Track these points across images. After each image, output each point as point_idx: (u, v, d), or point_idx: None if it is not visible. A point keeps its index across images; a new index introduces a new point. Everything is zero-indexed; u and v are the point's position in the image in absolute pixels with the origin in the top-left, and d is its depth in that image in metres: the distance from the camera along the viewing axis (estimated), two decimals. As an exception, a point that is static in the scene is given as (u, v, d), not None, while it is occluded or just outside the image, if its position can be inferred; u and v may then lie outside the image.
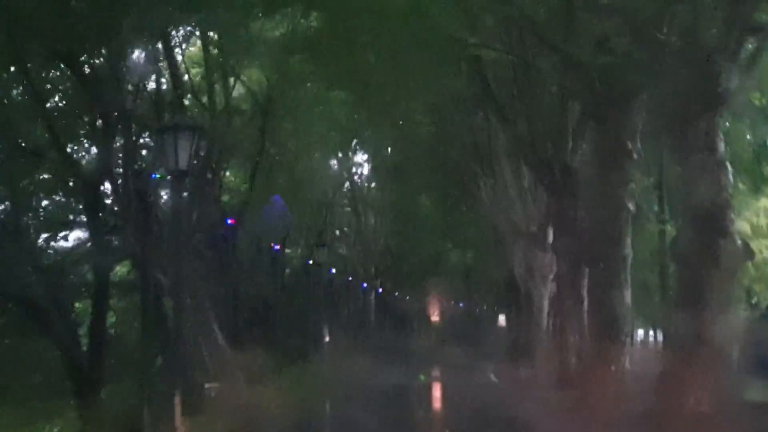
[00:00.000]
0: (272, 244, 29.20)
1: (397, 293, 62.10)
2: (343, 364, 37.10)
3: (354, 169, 50.54)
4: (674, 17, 15.16)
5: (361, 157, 49.97)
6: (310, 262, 33.28)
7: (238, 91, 28.25)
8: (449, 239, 61.84)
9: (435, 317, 68.59)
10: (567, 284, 23.13)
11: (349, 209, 52.28)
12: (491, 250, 53.44)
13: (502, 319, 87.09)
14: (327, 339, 37.98)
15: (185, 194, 15.55)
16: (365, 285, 49.17)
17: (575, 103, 22.74)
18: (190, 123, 12.98)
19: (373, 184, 57.17)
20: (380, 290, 54.00)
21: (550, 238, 31.35)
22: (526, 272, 33.53)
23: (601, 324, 18.92)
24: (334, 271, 40.97)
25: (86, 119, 20.48)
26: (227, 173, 29.46)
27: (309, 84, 29.30)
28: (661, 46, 15.02)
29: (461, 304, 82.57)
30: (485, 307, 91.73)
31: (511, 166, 32.33)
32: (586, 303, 22.83)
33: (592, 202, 20.19)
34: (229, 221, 23.55)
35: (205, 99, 25.81)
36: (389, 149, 44.60)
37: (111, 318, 26.72)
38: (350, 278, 47.77)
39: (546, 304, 32.88)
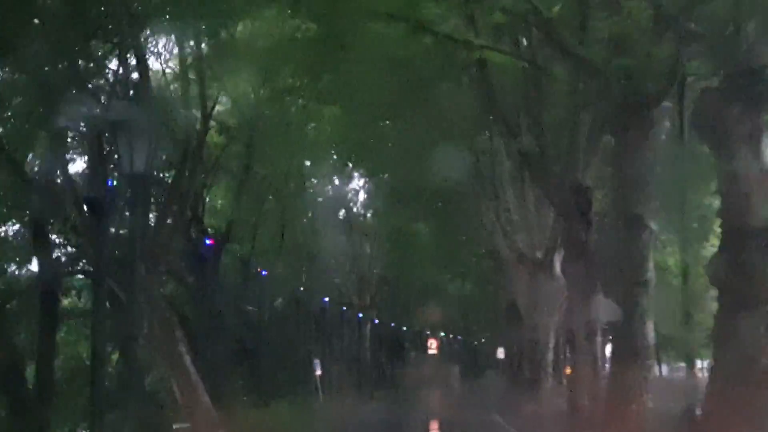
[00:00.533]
0: (259, 269, 27.03)
1: (393, 324, 59.83)
2: (334, 400, 35.08)
3: (349, 195, 48.50)
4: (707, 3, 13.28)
5: (356, 182, 47.93)
6: (301, 289, 31.12)
7: (223, 105, 26.29)
8: (448, 269, 59.72)
9: (433, 350, 66.28)
10: (579, 314, 21.01)
11: (344, 236, 50.17)
12: (491, 280, 51.63)
13: (501, 352, 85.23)
14: (318, 372, 35.77)
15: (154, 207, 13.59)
16: (360, 315, 47.05)
17: (587, 115, 20.80)
18: (146, 121, 10.85)
19: (369, 212, 55.16)
20: (376, 321, 51.80)
21: (557, 266, 29.48)
22: (530, 302, 31.47)
23: (619, 357, 16.87)
24: (327, 300, 38.84)
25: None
26: (209, 195, 27.34)
27: (299, 99, 27.44)
28: (693, 38, 13.12)
29: (459, 337, 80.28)
30: (483, 340, 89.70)
31: (515, 189, 30.43)
32: (599, 334, 20.83)
33: (610, 222, 18.18)
34: (208, 242, 21.36)
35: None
36: (385, 173, 42.52)
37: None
38: (344, 308, 45.67)
39: (552, 336, 30.85)
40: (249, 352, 29.69)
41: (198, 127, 22.91)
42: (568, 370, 40.27)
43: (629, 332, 16.55)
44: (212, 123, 24.65)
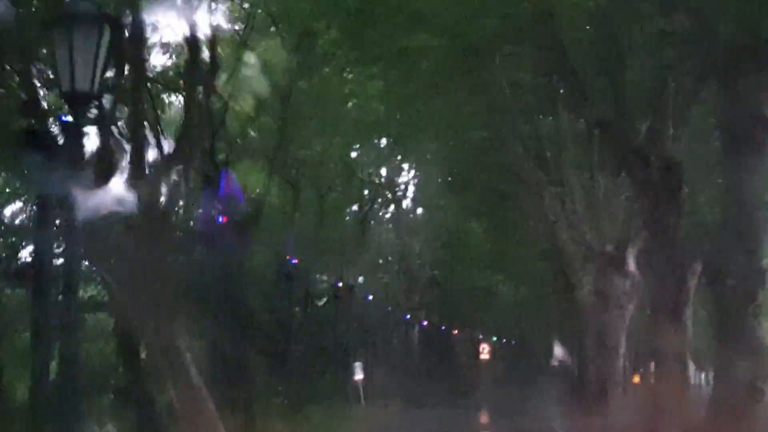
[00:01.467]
0: (288, 257, 23.84)
1: (443, 327, 56.50)
2: (376, 406, 32.09)
3: (398, 188, 45.25)
4: None
5: (406, 175, 44.70)
6: (339, 284, 27.93)
7: (253, 70, 23.23)
8: (501, 271, 56.28)
9: (485, 355, 62.80)
10: (665, 311, 17.53)
11: (391, 232, 47.11)
12: (549, 281, 48.20)
13: (559, 352, 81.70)
14: (360, 377, 32.75)
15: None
16: (408, 317, 43.77)
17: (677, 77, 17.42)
18: (94, 12, 7.65)
19: (419, 209, 52.01)
20: (425, 323, 48.44)
21: (630, 261, 26.06)
22: (597, 302, 27.93)
23: (727, 364, 13.46)
24: (371, 298, 35.68)
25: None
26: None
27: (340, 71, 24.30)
28: None
29: (513, 342, 76.81)
30: (538, 346, 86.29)
31: (582, 175, 27.03)
32: (690, 334, 17.42)
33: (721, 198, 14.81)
34: (221, 219, 18.18)
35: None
36: (434, 158, 39.20)
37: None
38: (390, 308, 42.51)
39: (623, 339, 27.34)
40: (282, 354, 26.63)
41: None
42: (636, 379, 36.77)
43: (740, 330, 13.19)
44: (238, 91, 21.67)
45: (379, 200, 44.35)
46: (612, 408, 26.19)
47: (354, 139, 28.87)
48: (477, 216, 48.88)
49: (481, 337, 67.16)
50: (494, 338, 72.77)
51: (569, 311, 41.62)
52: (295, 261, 23.00)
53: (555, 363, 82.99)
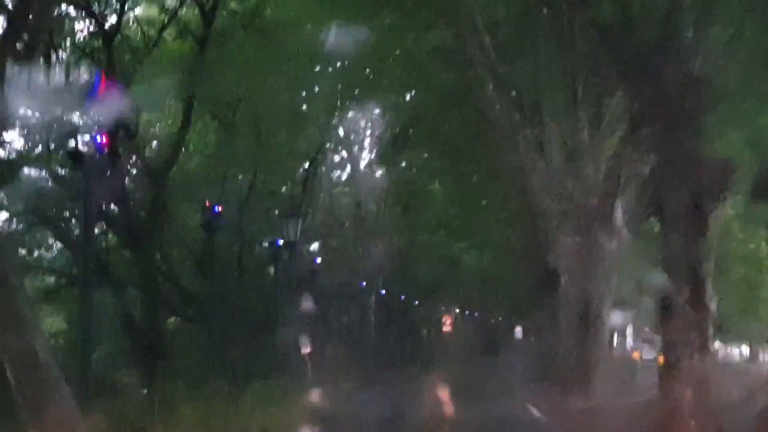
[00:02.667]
0: (207, 202, 19.57)
1: (403, 297, 52.60)
2: (326, 383, 28.06)
3: (353, 144, 41.08)
4: None
5: (361, 125, 40.50)
6: (280, 242, 23.77)
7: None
8: (465, 239, 52.46)
9: (448, 327, 58.95)
10: (679, 270, 13.70)
11: (345, 187, 43.00)
12: (519, 248, 44.62)
13: (517, 331, 78.32)
14: (307, 350, 28.70)
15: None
16: (363, 284, 39.73)
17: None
18: None
19: (378, 172, 47.92)
20: (383, 292, 44.43)
21: (618, 216, 22.44)
22: (579, 265, 24.19)
23: None
24: (319, 261, 31.62)
25: None
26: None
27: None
28: None
29: (476, 314, 73.21)
30: (501, 318, 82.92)
31: (564, 114, 23.26)
32: (714, 303, 13.66)
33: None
34: (100, 140, 13.90)
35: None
36: (396, 111, 35.07)
37: None
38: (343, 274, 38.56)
39: (608, 308, 23.70)
40: (213, 325, 22.60)
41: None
42: (636, 354, 33.09)
43: None
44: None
45: (333, 156, 40.41)
46: (597, 387, 22.58)
47: (293, 75, 24.59)
48: (440, 176, 45.43)
49: (443, 308, 63.34)
50: (457, 310, 69.04)
51: (543, 277, 37.95)
52: (218, 209, 18.78)
53: (519, 336, 79.97)
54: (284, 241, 23.58)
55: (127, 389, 19.01)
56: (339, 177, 44.03)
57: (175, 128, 20.25)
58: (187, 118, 19.61)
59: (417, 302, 56.53)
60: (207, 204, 19.39)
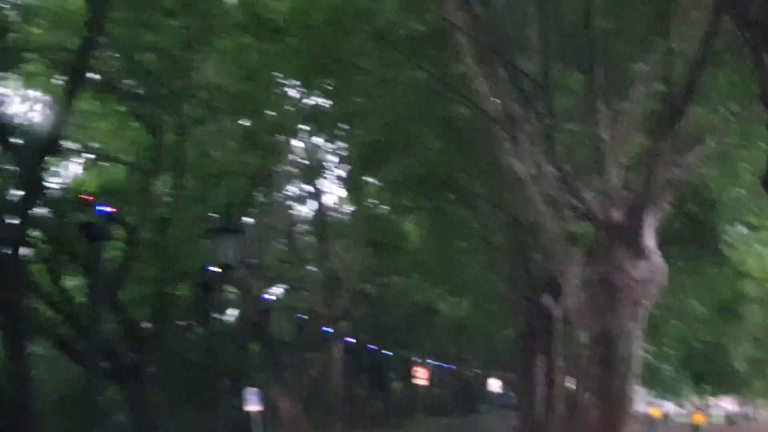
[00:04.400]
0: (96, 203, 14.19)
1: (373, 347, 47.18)
2: None
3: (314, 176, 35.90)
4: None
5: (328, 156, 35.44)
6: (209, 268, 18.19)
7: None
8: (443, 282, 47.57)
9: (421, 379, 53.61)
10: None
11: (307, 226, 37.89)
12: (506, 289, 39.97)
13: (495, 385, 73.30)
14: (255, 408, 23.57)
15: None
16: (329, 330, 34.15)
17: None
18: None
19: (346, 208, 43.00)
20: (351, 340, 38.82)
21: (649, 235, 17.52)
22: (594, 299, 19.02)
23: None
24: (274, 300, 26.27)
25: None
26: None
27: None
28: None
29: (452, 366, 67.88)
30: (480, 371, 77.97)
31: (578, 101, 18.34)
32: None
33: None
34: None
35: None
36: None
37: None
38: (301, 316, 33.19)
39: (636, 350, 18.59)
40: (126, 376, 17.22)
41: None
42: (699, 418, 28.13)
43: None
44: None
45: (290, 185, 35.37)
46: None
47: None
48: (415, 211, 40.74)
49: (416, 359, 58.00)
50: (432, 361, 63.68)
51: (530, 326, 33.12)
52: (106, 210, 13.38)
53: (498, 390, 75.11)
54: (222, 268, 18.23)
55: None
56: (299, 211, 39.00)
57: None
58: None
59: (388, 353, 51.11)
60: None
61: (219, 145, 22.94)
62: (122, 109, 20.02)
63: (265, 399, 26.39)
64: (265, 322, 26.48)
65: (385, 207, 40.46)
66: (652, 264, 17.36)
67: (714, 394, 58.13)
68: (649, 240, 17.36)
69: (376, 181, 35.79)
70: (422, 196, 35.22)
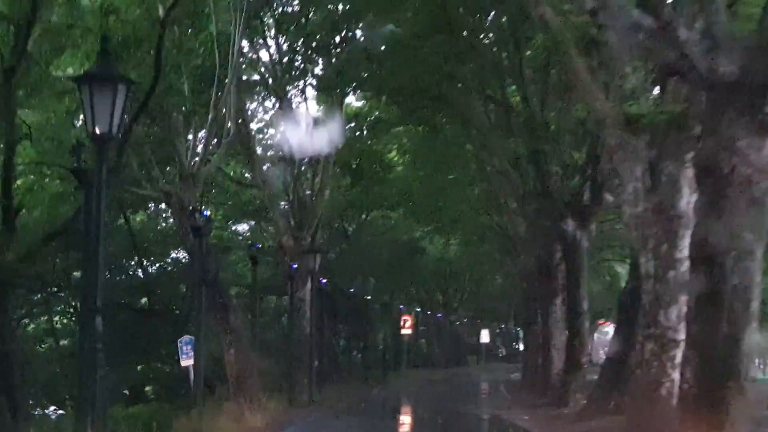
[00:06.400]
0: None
1: (351, 290, 41.09)
2: (224, 413, 18.24)
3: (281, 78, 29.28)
4: None
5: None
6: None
7: None
8: (430, 219, 41.90)
9: (407, 329, 48.20)
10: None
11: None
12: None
13: (485, 335, 68.56)
14: (189, 362, 17.74)
15: None
16: (294, 266, 27.64)
17: None
18: None
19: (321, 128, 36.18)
20: (324, 281, 32.43)
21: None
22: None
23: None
24: (207, 213, 20.08)
25: None
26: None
27: None
28: None
29: (438, 315, 62.34)
30: (466, 320, 73.07)
31: None
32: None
33: None
34: None
35: None
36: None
37: None
38: (257, 245, 26.80)
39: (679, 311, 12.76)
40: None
41: None
42: None
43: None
44: None
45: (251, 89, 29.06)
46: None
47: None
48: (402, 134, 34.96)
49: (401, 306, 52.36)
50: (418, 308, 58.16)
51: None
52: None
53: (488, 340, 70.69)
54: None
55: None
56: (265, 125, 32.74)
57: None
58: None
59: (368, 297, 45.16)
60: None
61: None
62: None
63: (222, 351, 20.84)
64: (216, 261, 20.42)
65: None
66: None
67: None
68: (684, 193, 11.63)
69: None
70: (409, 109, 29.35)
